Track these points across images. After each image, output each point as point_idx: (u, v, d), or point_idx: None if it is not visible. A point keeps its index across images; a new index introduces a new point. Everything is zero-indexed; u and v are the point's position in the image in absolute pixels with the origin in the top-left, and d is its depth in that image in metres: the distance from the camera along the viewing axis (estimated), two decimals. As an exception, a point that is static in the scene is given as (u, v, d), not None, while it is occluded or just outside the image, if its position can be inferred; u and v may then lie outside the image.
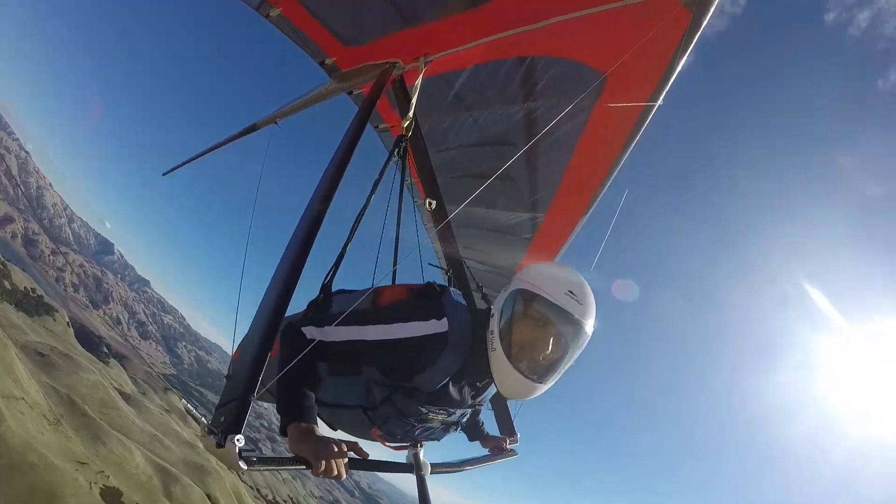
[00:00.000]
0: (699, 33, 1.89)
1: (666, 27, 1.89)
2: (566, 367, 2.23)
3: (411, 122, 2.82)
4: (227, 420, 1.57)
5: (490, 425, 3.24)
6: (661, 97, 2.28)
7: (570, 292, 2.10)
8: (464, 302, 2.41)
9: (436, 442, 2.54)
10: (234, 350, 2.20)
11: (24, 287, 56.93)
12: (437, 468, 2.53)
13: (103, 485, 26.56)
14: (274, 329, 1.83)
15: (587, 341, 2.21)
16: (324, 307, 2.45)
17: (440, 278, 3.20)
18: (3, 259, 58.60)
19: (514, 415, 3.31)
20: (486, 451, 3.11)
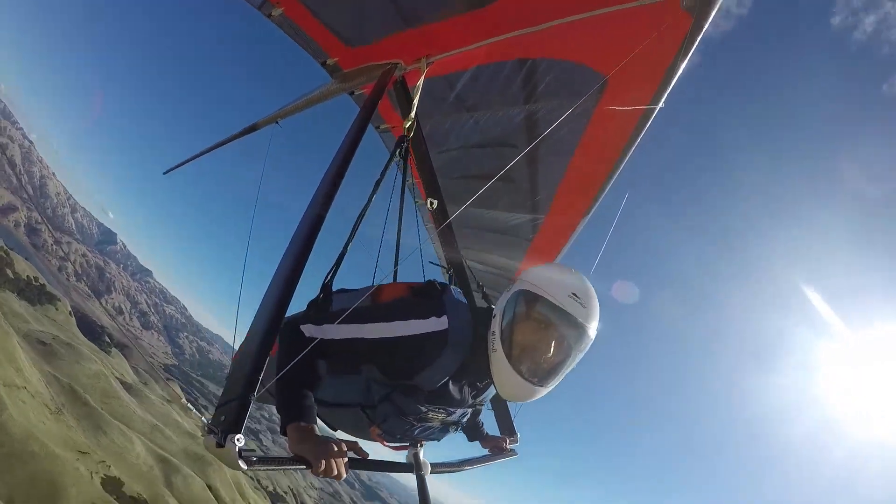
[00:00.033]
0: (700, 37, 1.89)
1: (667, 31, 1.89)
2: (567, 371, 2.21)
3: (413, 123, 2.81)
4: (227, 420, 1.58)
5: (490, 425, 3.24)
6: (663, 100, 2.28)
7: (574, 295, 2.07)
8: (464, 300, 2.40)
9: (436, 442, 2.53)
10: (235, 353, 2.20)
11: (27, 276, 57.09)
12: (437, 468, 2.52)
13: (104, 474, 26.76)
14: (274, 329, 1.83)
15: (590, 345, 2.18)
16: (324, 306, 2.44)
17: (441, 277, 3.19)
18: (5, 248, 58.69)
19: (514, 415, 3.30)
20: (485, 452, 3.10)
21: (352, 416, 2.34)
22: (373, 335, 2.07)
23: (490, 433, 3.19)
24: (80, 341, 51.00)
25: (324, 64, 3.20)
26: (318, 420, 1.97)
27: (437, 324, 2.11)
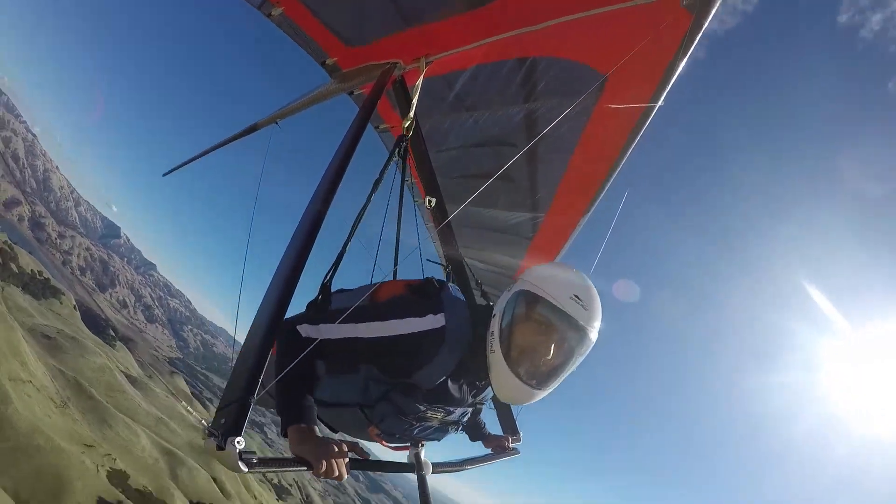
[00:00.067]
0: (700, 35, 1.88)
1: (667, 29, 1.88)
2: (567, 374, 2.18)
3: (412, 123, 2.79)
4: (227, 422, 1.58)
5: (492, 424, 3.23)
6: (662, 98, 2.26)
7: (576, 296, 2.04)
8: (463, 298, 2.38)
9: (436, 442, 2.51)
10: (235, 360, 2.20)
11: (31, 270, 57.32)
12: (439, 468, 2.51)
13: (110, 467, 26.98)
14: (274, 331, 1.83)
15: (591, 348, 2.15)
16: (322, 307, 2.43)
17: (441, 276, 3.18)
18: (9, 242, 58.87)
19: (516, 414, 3.30)
20: (488, 451, 3.08)
21: (350, 416, 2.32)
22: (370, 334, 2.05)
23: (492, 432, 3.17)
24: (85, 335, 51.30)
25: (323, 64, 3.20)
26: (319, 421, 1.95)
27: (433, 321, 2.09)
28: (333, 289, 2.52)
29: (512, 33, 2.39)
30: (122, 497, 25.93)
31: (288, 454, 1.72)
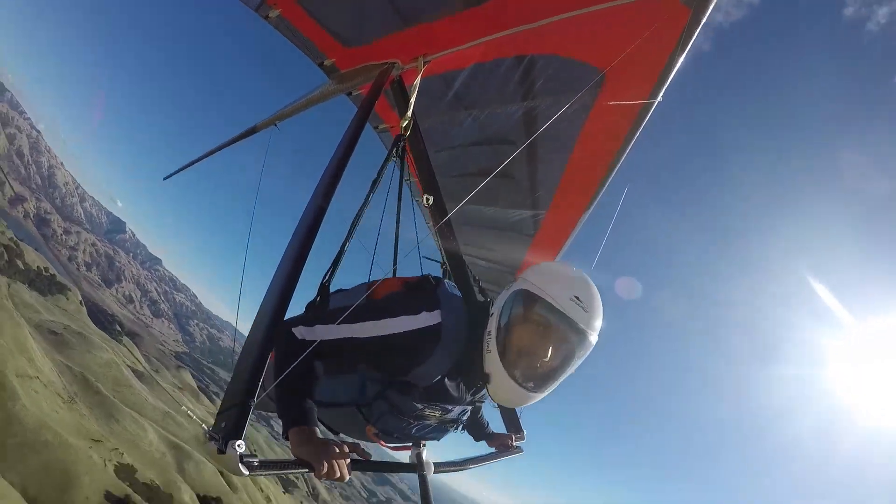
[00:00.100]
0: (698, 30, 1.85)
1: (665, 24, 1.85)
2: (564, 377, 2.12)
3: (410, 122, 2.76)
4: (227, 426, 1.58)
5: (496, 423, 3.21)
6: (661, 94, 2.23)
7: (576, 298, 1.97)
8: (459, 294, 2.34)
9: (436, 441, 2.49)
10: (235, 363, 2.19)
11: (37, 266, 57.83)
12: (441, 467, 2.46)
13: (117, 462, 27.34)
14: (274, 333, 1.84)
15: (590, 351, 2.08)
16: (321, 308, 2.39)
17: (440, 274, 3.15)
18: (15, 238, 59.40)
19: (520, 412, 3.27)
20: (491, 450, 3.06)
21: (348, 415, 2.27)
22: (364, 334, 2.01)
23: (495, 431, 3.14)
24: (91, 330, 51.77)
25: (321, 65, 3.19)
26: (319, 423, 1.92)
27: (428, 319, 2.04)
28: (333, 289, 2.49)
29: (509, 31, 2.36)
30: (130, 491, 26.29)
31: (289, 456, 1.71)
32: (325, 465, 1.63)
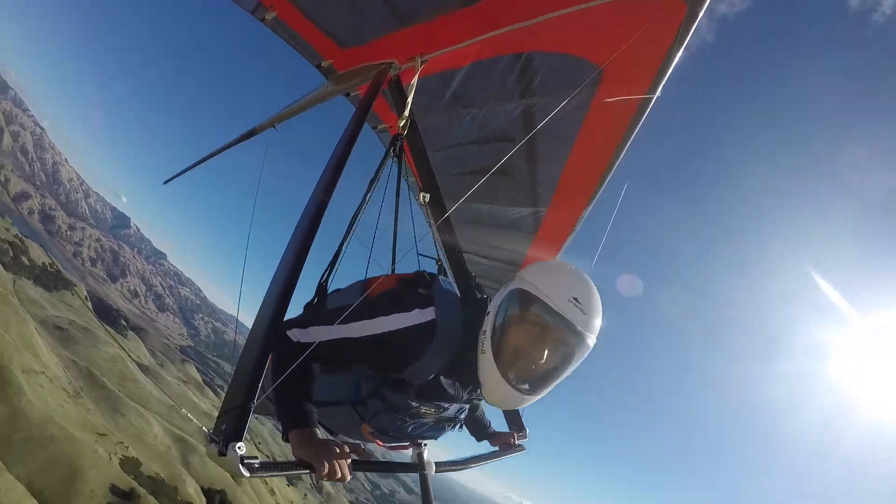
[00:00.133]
0: (695, 25, 1.83)
1: (662, 19, 1.83)
2: (560, 380, 2.06)
3: (407, 121, 2.74)
4: (228, 428, 1.58)
5: (498, 422, 3.19)
6: (659, 89, 2.20)
7: (575, 299, 1.91)
8: (454, 290, 2.31)
9: (436, 440, 2.45)
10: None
11: (42, 262, 58.25)
12: (442, 467, 2.45)
13: (122, 455, 27.67)
14: (273, 335, 1.82)
15: (587, 353, 2.01)
16: (318, 308, 2.39)
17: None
18: (20, 235, 59.85)
19: (522, 410, 3.25)
20: (493, 449, 3.02)
21: (343, 414, 2.23)
22: (358, 334, 1.97)
23: (496, 429, 3.11)
24: (97, 325, 52.15)
25: (318, 66, 3.17)
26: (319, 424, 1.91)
27: (421, 316, 2.00)
28: (332, 288, 2.49)
29: (506, 29, 2.33)
30: (135, 484, 26.62)
31: (290, 458, 1.71)
32: (326, 465, 1.63)
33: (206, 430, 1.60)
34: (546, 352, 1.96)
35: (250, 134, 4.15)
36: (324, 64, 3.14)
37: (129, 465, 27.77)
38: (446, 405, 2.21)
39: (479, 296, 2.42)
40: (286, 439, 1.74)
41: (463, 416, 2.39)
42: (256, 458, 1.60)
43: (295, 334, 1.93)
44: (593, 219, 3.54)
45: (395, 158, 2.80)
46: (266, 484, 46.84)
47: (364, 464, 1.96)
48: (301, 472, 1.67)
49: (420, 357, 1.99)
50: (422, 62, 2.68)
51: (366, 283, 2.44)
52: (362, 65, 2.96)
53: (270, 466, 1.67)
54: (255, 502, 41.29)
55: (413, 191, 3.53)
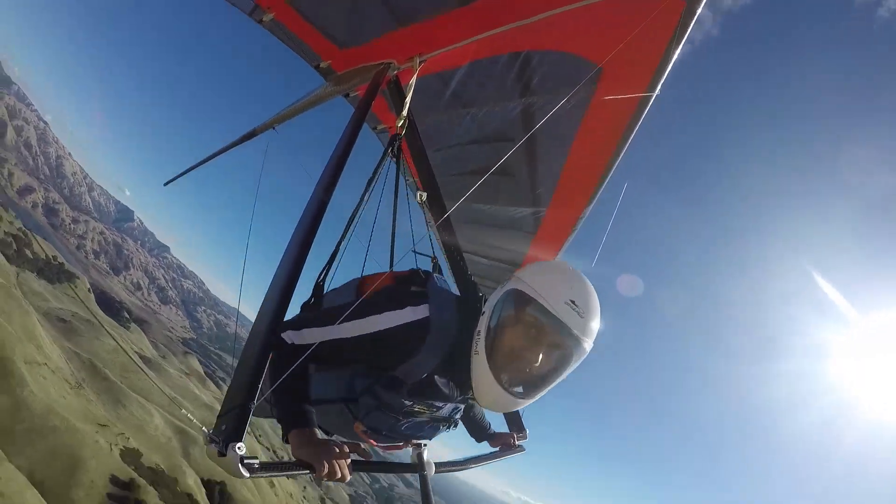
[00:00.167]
0: (694, 22, 1.81)
1: (660, 16, 1.80)
2: (555, 384, 2.02)
3: (405, 121, 2.71)
4: (227, 428, 1.57)
5: (498, 423, 3.17)
6: (658, 87, 2.16)
7: (572, 302, 1.86)
8: (449, 289, 2.27)
9: (431, 440, 2.43)
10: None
11: (46, 255, 58.57)
12: (442, 467, 2.42)
13: (123, 446, 27.85)
14: (273, 336, 1.81)
15: (584, 358, 1.96)
16: (314, 307, 2.38)
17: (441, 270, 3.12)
18: (24, 228, 60.07)
19: (522, 410, 3.23)
20: (493, 449, 3.04)
21: (335, 412, 2.20)
22: (351, 333, 1.94)
23: (496, 431, 3.10)
24: (100, 317, 52.37)
25: (317, 67, 3.15)
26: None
27: (414, 313, 1.97)
28: (330, 287, 2.47)
29: (504, 28, 2.30)
30: (135, 475, 26.82)
31: (290, 458, 1.71)
32: (326, 465, 1.62)
33: (205, 431, 1.59)
34: (541, 355, 1.91)
35: (250, 135, 4.13)
36: (322, 65, 3.13)
37: (130, 455, 27.97)
38: (440, 404, 2.17)
39: (477, 295, 2.40)
40: (286, 440, 1.73)
41: (458, 416, 2.34)
42: (256, 458, 1.60)
43: (289, 336, 1.90)
44: (593, 219, 3.52)
45: (393, 158, 2.79)
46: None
47: (364, 464, 1.95)
48: (301, 472, 1.67)
49: (413, 355, 1.96)
50: (420, 62, 2.66)
51: (361, 282, 2.42)
52: (361, 65, 2.95)
53: (270, 467, 1.66)
54: (255, 494, 41.55)
55: (412, 190, 3.52)
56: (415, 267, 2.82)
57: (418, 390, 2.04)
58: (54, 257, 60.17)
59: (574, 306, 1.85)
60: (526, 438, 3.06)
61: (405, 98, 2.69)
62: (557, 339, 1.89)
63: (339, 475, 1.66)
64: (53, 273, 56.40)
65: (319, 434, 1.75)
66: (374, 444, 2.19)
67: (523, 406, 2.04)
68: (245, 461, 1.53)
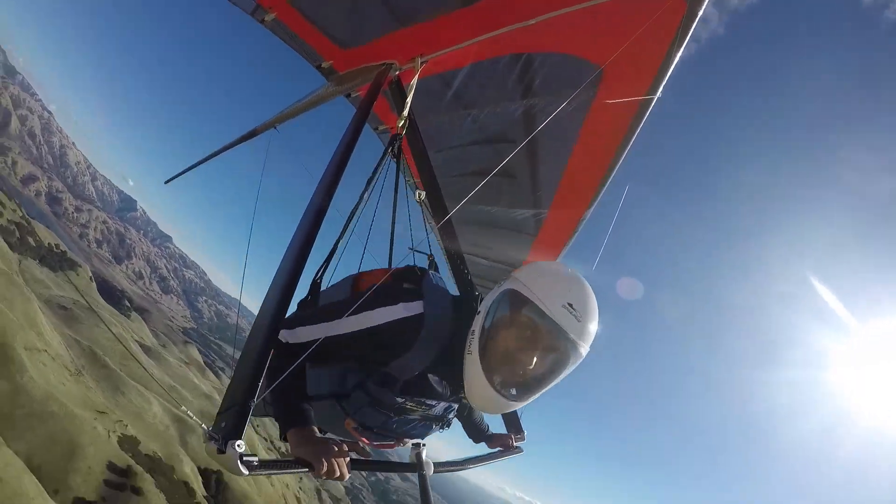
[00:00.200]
0: (695, 24, 1.82)
1: (661, 19, 1.81)
2: (548, 388, 1.98)
3: (406, 121, 2.72)
4: (227, 426, 1.58)
5: (496, 425, 3.18)
6: (660, 89, 2.18)
7: (569, 305, 1.81)
8: (444, 286, 2.23)
9: (423, 439, 2.43)
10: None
11: (48, 243, 58.69)
12: (441, 467, 2.42)
13: (121, 433, 27.99)
14: (273, 334, 1.80)
15: (579, 362, 1.93)
16: (310, 305, 2.39)
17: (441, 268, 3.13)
18: (27, 216, 60.18)
19: (520, 412, 3.23)
20: (491, 450, 2.99)
21: (327, 408, 2.18)
22: (344, 330, 1.93)
23: (494, 432, 3.10)
24: (101, 306, 52.59)
25: (319, 67, 3.17)
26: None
27: (408, 309, 1.96)
28: (328, 284, 2.48)
29: (506, 29, 2.32)
30: (132, 462, 26.96)
31: (289, 456, 1.71)
32: (325, 464, 1.62)
33: (205, 428, 1.58)
34: (535, 358, 1.89)
35: (252, 134, 4.15)
36: (324, 65, 3.14)
37: (128, 443, 28.12)
38: (432, 403, 2.16)
39: (473, 294, 2.38)
40: (284, 438, 1.74)
41: (452, 415, 2.33)
42: (255, 456, 1.60)
43: (283, 335, 1.91)
44: (594, 221, 3.50)
45: (393, 157, 2.78)
46: (263, 467, 47.30)
47: (363, 463, 1.96)
48: (300, 470, 1.68)
49: (406, 351, 1.95)
50: (422, 63, 2.68)
51: (356, 278, 2.42)
52: (363, 66, 2.96)
53: (269, 465, 1.66)
54: (251, 485, 41.69)
55: (412, 190, 3.53)
56: (414, 261, 2.84)
57: (411, 387, 2.04)
58: (57, 245, 60.30)
59: (571, 309, 1.82)
60: (524, 440, 3.06)
61: (406, 98, 2.69)
62: (553, 342, 1.87)
63: (338, 474, 1.66)
64: (55, 261, 56.56)
65: (318, 433, 1.74)
66: (366, 441, 2.17)
67: (514, 409, 2.04)
68: (244, 459, 1.53)
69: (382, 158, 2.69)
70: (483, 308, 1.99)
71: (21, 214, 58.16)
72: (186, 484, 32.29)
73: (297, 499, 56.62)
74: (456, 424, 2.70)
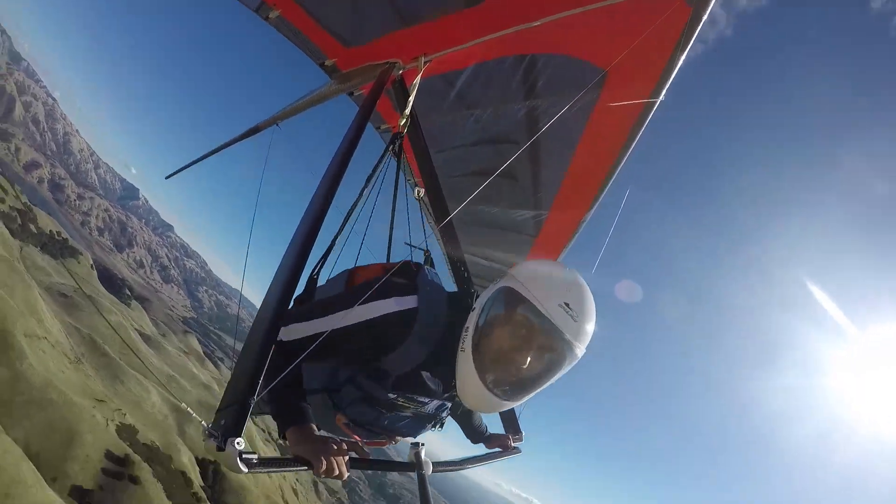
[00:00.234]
0: (699, 28, 1.83)
1: (666, 22, 1.81)
2: (542, 388, 1.96)
3: (407, 120, 2.71)
4: (227, 423, 1.57)
5: (496, 425, 3.17)
6: (663, 93, 2.18)
7: (566, 305, 1.78)
8: (439, 281, 2.21)
9: (415, 437, 2.41)
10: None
11: (50, 230, 58.83)
12: (440, 467, 2.39)
13: (119, 422, 28.11)
14: (274, 331, 1.79)
15: (575, 363, 1.90)
16: (306, 301, 2.38)
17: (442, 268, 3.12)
18: (29, 203, 60.28)
19: (519, 412, 3.23)
20: (490, 450, 3.04)
21: (318, 403, 2.18)
22: (337, 325, 1.90)
23: (492, 433, 3.10)
24: (101, 294, 52.73)
25: (322, 65, 3.17)
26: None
27: (401, 303, 1.93)
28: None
29: (510, 30, 2.31)
30: (130, 451, 27.09)
31: (288, 454, 1.72)
32: (324, 462, 1.62)
33: (205, 425, 1.57)
34: (529, 358, 1.85)
35: (254, 131, 4.16)
36: (327, 63, 3.14)
37: (126, 431, 28.26)
38: (425, 400, 2.13)
39: (470, 291, 2.36)
40: (283, 436, 1.72)
41: (445, 414, 2.31)
42: (255, 453, 1.59)
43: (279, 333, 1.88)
44: (594, 223, 3.49)
45: (393, 155, 2.78)
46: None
47: (362, 461, 1.95)
48: (299, 468, 1.68)
49: (398, 346, 1.93)
50: (425, 62, 2.67)
51: (351, 273, 2.40)
52: (366, 64, 2.96)
53: (269, 463, 1.65)
54: (249, 476, 41.89)
55: (412, 188, 3.53)
56: (411, 257, 2.83)
57: (403, 384, 2.02)
58: (58, 233, 60.42)
59: (568, 309, 1.78)
60: (522, 440, 3.07)
61: (409, 98, 2.69)
62: (548, 342, 1.83)
63: (337, 472, 1.65)
64: (57, 248, 56.70)
65: (317, 431, 1.73)
66: (358, 438, 2.16)
67: (506, 408, 2.01)
68: (244, 456, 1.53)
69: (383, 156, 2.69)
70: (478, 305, 1.95)
71: (23, 201, 58.29)
72: (184, 474, 32.48)
73: (294, 491, 56.91)
74: (454, 425, 2.69)
